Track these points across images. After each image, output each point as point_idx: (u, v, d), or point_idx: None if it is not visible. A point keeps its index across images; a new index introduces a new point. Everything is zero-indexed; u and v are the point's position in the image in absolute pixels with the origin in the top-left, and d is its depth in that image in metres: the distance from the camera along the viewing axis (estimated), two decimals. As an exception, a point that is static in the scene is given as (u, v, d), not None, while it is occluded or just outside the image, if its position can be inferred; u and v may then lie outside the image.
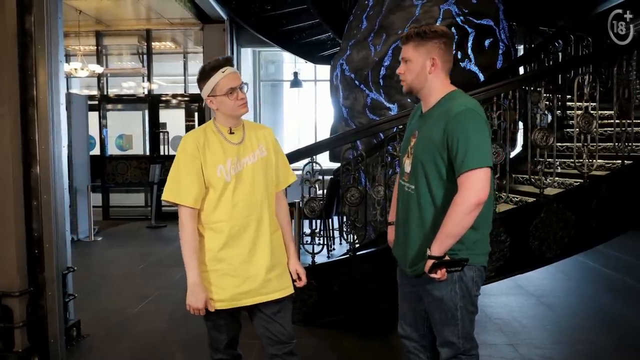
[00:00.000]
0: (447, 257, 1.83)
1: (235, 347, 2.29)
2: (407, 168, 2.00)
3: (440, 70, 1.92)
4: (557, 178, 3.90)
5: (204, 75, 2.02)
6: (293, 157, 3.77)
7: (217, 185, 2.02)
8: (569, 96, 4.57)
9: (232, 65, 2.05)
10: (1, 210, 3.01)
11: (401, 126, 3.56)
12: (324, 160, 8.66)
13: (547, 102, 3.94)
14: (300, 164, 3.81)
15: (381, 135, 4.52)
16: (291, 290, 2.19)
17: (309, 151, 3.74)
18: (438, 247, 1.81)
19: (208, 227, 2.08)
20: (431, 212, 1.91)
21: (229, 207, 2.03)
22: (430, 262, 1.82)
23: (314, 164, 3.71)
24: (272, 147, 2.18)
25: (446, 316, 1.93)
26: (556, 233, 3.38)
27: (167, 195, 2.04)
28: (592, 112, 3.46)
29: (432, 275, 1.83)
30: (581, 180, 3.48)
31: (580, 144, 3.46)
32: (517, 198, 4.08)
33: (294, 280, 2.23)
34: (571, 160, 3.57)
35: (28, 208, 3.10)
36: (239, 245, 2.06)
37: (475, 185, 1.76)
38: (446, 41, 1.91)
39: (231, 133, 2.08)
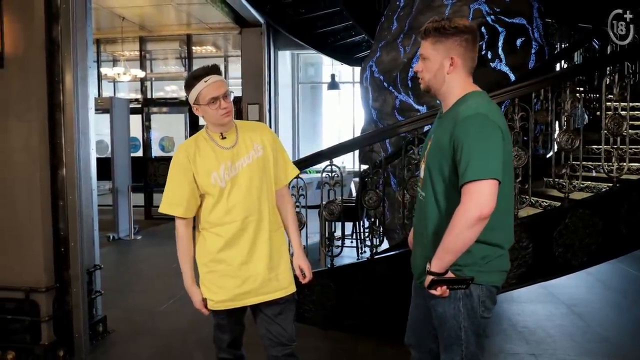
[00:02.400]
0: (449, 274, 1.72)
1: (239, 348, 2.31)
2: (422, 174, 1.89)
3: (460, 70, 1.77)
4: (589, 182, 3.74)
5: (188, 84, 2.03)
6: (311, 160, 3.80)
7: (212, 192, 2.05)
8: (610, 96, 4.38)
9: (218, 73, 2.04)
10: (30, 210, 3.17)
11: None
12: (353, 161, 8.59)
13: (581, 103, 3.79)
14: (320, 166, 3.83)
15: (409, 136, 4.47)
16: (292, 289, 2.18)
17: (328, 154, 3.74)
18: (437, 263, 1.70)
19: (207, 230, 2.11)
20: (434, 222, 1.80)
21: (225, 211, 2.05)
22: (429, 278, 1.72)
23: (334, 167, 3.71)
24: (269, 144, 2.15)
25: (449, 335, 1.82)
26: (582, 240, 3.23)
27: (162, 207, 2.10)
28: (622, 112, 3.29)
29: (432, 291, 1.74)
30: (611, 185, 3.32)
31: (609, 147, 3.30)
32: (546, 202, 3.93)
33: (297, 277, 2.23)
34: (606, 163, 3.39)
35: (55, 208, 3.25)
36: (238, 247, 2.07)
37: (478, 198, 1.60)
38: (468, 38, 1.75)
39: (223, 138, 2.09)
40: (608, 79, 3.31)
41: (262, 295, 2.11)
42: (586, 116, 4.95)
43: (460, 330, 1.79)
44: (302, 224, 3.84)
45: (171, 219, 2.16)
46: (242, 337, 2.31)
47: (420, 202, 1.89)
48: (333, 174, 3.67)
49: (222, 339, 2.25)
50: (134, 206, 7.86)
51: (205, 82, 1.99)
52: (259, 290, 2.09)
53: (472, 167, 1.62)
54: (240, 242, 2.07)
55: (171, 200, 2.08)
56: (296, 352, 2.20)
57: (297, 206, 3.81)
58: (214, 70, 2.03)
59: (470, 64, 1.81)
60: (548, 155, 4.88)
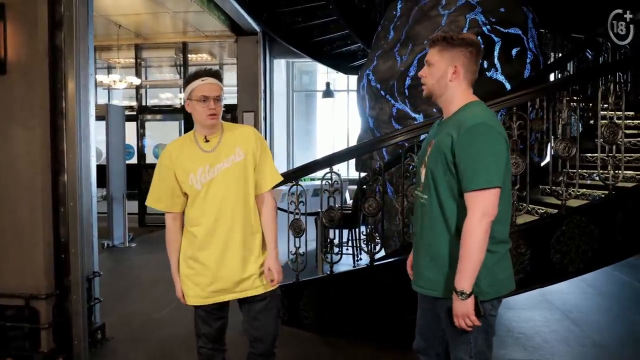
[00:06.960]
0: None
1: (219, 342, 2.35)
2: (423, 178, 1.93)
3: (462, 79, 1.85)
4: (585, 190, 3.80)
5: (187, 80, 2.15)
6: (311, 167, 3.83)
7: (190, 193, 2.17)
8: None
9: (217, 79, 2.14)
10: (31, 216, 3.17)
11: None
12: (351, 169, 8.61)
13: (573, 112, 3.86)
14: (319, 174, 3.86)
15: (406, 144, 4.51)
16: (270, 288, 2.24)
17: (327, 161, 3.78)
18: (467, 280, 1.72)
19: (186, 229, 2.24)
20: (441, 225, 1.84)
21: (200, 212, 2.16)
22: (461, 303, 1.73)
23: (333, 174, 3.74)
24: (251, 150, 2.20)
25: (458, 332, 1.85)
26: (579, 247, 3.29)
27: (147, 201, 2.25)
28: (617, 121, 3.36)
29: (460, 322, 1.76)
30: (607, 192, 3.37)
31: (605, 155, 3.36)
32: (542, 210, 3.98)
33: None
34: (602, 171, 3.45)
35: (56, 214, 3.25)
36: (210, 248, 2.16)
37: (486, 208, 1.70)
38: (472, 50, 1.84)
39: (206, 141, 2.17)
40: (603, 88, 3.36)
41: (235, 293, 2.20)
42: (580, 125, 5.03)
43: (470, 327, 1.82)
44: (301, 231, 3.87)
45: (165, 226, 2.27)
46: (223, 334, 2.35)
47: (423, 206, 1.92)
48: (333, 181, 3.70)
49: (202, 331, 2.30)
50: (128, 213, 7.83)
51: (202, 80, 2.11)
52: (232, 289, 2.19)
53: (479, 175, 1.71)
54: (212, 244, 2.16)
55: (153, 196, 2.23)
56: (272, 350, 2.28)
57: (297, 213, 3.84)
58: (215, 74, 2.14)
59: (471, 77, 1.88)
60: (543, 164, 4.96)
